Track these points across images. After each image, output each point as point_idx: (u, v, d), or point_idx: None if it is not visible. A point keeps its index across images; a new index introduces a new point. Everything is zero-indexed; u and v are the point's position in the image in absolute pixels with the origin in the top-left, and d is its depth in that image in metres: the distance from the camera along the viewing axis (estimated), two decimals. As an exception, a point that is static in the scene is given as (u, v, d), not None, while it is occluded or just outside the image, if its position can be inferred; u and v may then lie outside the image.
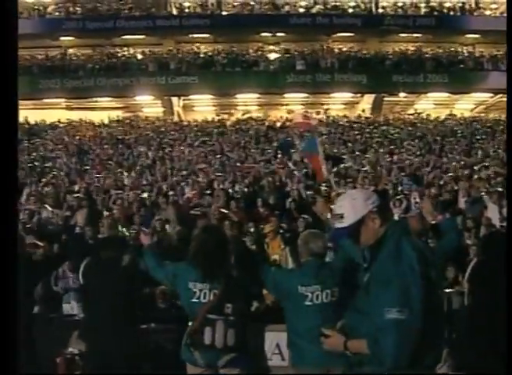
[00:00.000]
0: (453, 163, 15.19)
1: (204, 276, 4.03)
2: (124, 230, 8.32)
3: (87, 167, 16.58)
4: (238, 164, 16.04)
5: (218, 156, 17.51)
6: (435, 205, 4.74)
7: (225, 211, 9.17)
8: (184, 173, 14.74)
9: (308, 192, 11.34)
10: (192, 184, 12.58)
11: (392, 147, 18.96)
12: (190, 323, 4.07)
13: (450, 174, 13.08)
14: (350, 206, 2.86)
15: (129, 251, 5.40)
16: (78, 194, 11.61)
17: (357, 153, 17.57)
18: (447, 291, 6.25)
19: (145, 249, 4.44)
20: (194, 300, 4.02)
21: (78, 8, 30.09)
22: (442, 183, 12.10)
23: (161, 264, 4.27)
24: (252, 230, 8.26)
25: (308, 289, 4.00)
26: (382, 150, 18.22)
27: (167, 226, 8.59)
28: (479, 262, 5.42)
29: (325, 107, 29.31)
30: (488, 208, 9.46)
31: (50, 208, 10.80)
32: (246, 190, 12.26)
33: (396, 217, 8.65)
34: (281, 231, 8.17)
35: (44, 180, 14.45)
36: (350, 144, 19.66)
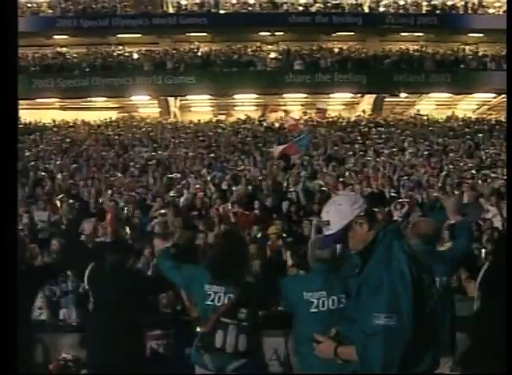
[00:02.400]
0: (456, 165, 14.88)
1: (221, 279, 4.04)
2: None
3: (81, 168, 16.13)
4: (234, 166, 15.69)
5: (215, 157, 17.23)
6: (458, 204, 4.79)
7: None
8: (181, 174, 14.42)
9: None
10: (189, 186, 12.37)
11: (394, 148, 18.60)
12: (198, 328, 4.16)
13: (453, 176, 12.78)
14: (335, 212, 2.83)
15: (135, 255, 5.39)
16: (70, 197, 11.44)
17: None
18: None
19: (161, 251, 4.47)
20: (208, 303, 4.04)
21: (72, 6, 29.63)
22: (444, 185, 11.82)
23: (177, 266, 4.26)
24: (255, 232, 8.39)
25: (314, 295, 3.93)
26: (382, 151, 17.80)
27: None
28: (492, 266, 5.10)
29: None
30: (488, 211, 9.39)
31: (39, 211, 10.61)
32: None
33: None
34: (283, 235, 8.36)
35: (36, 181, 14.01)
36: (350, 146, 19.27)
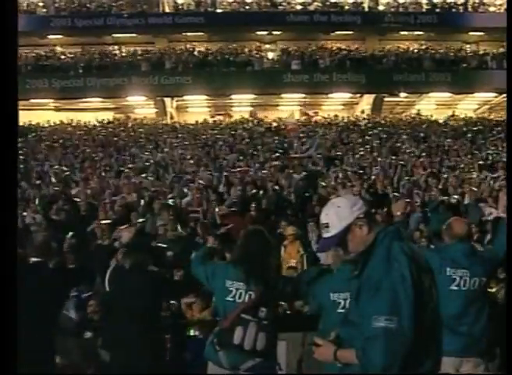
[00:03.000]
0: (457, 166, 14.73)
1: (244, 276, 4.05)
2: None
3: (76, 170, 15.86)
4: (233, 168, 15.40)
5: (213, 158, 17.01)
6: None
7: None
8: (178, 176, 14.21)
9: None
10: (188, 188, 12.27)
11: (394, 148, 18.29)
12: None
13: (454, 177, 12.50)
14: (334, 215, 2.79)
15: (156, 258, 5.40)
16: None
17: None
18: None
19: (202, 247, 4.65)
20: (229, 299, 4.06)
21: (66, 6, 29.37)
22: (445, 186, 11.54)
23: (203, 262, 4.37)
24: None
25: (341, 296, 3.89)
26: (383, 152, 17.51)
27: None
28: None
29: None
30: (490, 212, 9.15)
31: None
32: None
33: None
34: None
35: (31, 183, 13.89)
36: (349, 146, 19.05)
